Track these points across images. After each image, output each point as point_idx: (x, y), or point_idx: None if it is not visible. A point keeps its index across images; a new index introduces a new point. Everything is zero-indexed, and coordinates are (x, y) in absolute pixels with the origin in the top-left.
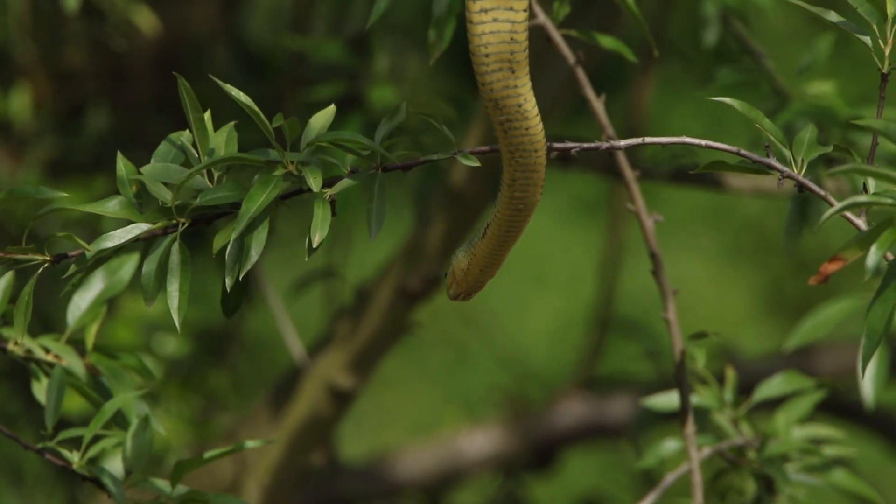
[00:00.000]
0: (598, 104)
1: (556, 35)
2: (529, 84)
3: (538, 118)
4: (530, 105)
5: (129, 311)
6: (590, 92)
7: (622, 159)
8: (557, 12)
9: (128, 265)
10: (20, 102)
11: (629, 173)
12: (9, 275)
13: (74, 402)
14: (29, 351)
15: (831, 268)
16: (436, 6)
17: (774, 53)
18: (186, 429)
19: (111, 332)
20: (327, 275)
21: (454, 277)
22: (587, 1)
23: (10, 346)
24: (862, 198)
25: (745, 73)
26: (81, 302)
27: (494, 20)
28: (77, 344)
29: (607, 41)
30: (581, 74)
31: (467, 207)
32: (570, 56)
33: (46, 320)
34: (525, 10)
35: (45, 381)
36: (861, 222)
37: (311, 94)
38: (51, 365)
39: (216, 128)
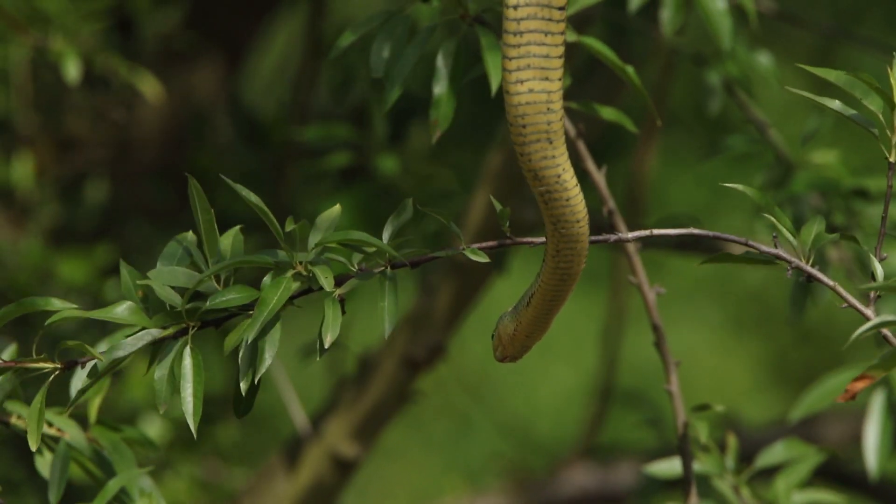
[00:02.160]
0: (599, 177)
1: None
2: (567, 154)
3: (578, 188)
4: (569, 175)
5: (141, 372)
6: (591, 165)
7: (623, 229)
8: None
9: None
10: (22, 171)
11: (631, 247)
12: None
13: (77, 470)
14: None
15: (859, 386)
16: (436, 87)
17: (777, 123)
18: (195, 490)
19: (125, 392)
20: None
21: (501, 341)
22: (588, 72)
23: (14, 420)
24: (889, 317)
25: (752, 144)
26: (84, 375)
27: (531, 91)
28: (80, 417)
29: (608, 112)
30: (582, 147)
31: (471, 277)
32: (571, 129)
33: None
34: (560, 80)
35: (48, 454)
36: (891, 334)
37: (315, 166)
38: (54, 439)
39: (215, 204)
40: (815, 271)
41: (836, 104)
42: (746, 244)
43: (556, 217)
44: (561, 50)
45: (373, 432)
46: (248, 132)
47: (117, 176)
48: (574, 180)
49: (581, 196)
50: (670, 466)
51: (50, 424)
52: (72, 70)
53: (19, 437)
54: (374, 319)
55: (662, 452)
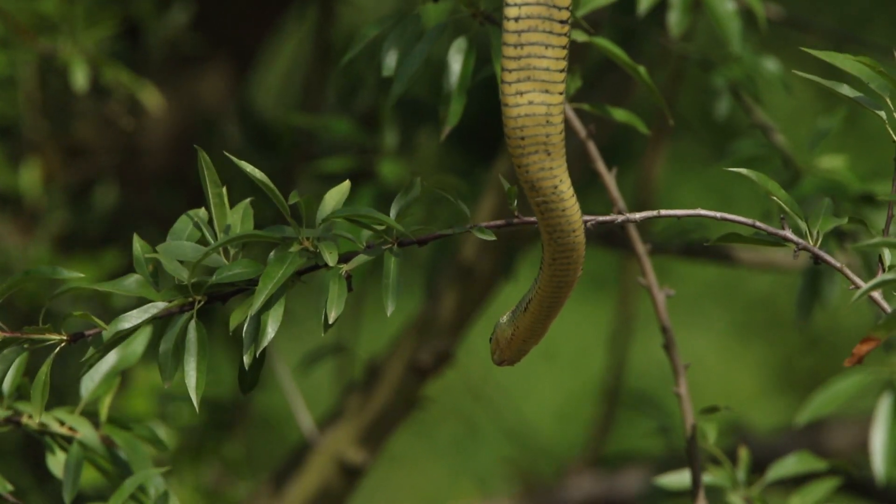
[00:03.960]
0: (609, 178)
1: (568, 109)
2: (565, 166)
3: (574, 199)
4: (566, 186)
5: (143, 382)
6: (601, 165)
7: (633, 233)
8: (569, 87)
9: (141, 337)
10: (30, 177)
11: (640, 247)
12: (23, 355)
13: (87, 474)
14: (43, 424)
15: (864, 348)
16: (446, 83)
17: (784, 128)
18: (200, 499)
19: (126, 402)
20: (337, 350)
21: (498, 345)
22: (598, 75)
23: (25, 420)
24: (889, 275)
25: (760, 148)
26: (95, 374)
27: (530, 103)
28: (91, 416)
29: (620, 114)
30: (592, 148)
31: (477, 282)
32: (581, 130)
33: (59, 392)
34: (561, 93)
35: (59, 454)
36: (885, 304)
37: (322, 167)
38: (66, 438)
39: (228, 204)
40: (822, 253)
41: (845, 88)
42: (754, 225)
43: (552, 227)
44: (563, 63)
45: (380, 438)
46: (258, 138)
47: (125, 182)
48: (571, 191)
49: (577, 207)
50: (680, 479)
51: (62, 423)
52: (80, 77)
53: (27, 443)
54: (381, 326)
55: (670, 458)
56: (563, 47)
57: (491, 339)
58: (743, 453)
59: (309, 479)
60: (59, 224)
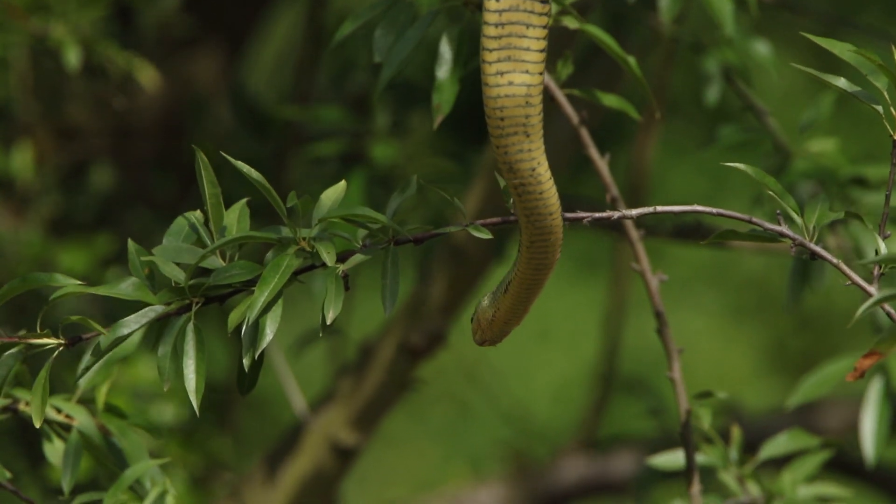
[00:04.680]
0: (602, 164)
1: (560, 95)
2: (543, 148)
3: (552, 182)
4: (543, 169)
5: (124, 380)
6: (594, 151)
7: (628, 222)
8: (560, 72)
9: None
10: (22, 160)
11: (634, 233)
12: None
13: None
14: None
15: (867, 363)
16: (439, 71)
17: (776, 111)
18: (187, 491)
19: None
20: (330, 331)
21: (479, 325)
22: (589, 59)
23: (22, 407)
24: (890, 292)
25: (746, 133)
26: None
27: (510, 83)
28: (87, 404)
29: (610, 100)
30: (585, 134)
31: (470, 264)
32: (573, 116)
33: (55, 379)
34: (541, 74)
35: (57, 441)
36: (893, 310)
37: (315, 150)
38: (62, 426)
39: (222, 182)
40: (819, 248)
41: (841, 81)
42: (750, 221)
43: (529, 210)
44: (543, 44)
45: (373, 420)
46: (250, 120)
47: (118, 164)
48: (548, 174)
49: (554, 190)
50: (673, 458)
51: (59, 411)
52: (72, 58)
53: (21, 427)
54: (374, 307)
55: (663, 441)
56: (544, 27)
57: (472, 318)
58: (735, 432)
59: (302, 461)
60: (52, 207)
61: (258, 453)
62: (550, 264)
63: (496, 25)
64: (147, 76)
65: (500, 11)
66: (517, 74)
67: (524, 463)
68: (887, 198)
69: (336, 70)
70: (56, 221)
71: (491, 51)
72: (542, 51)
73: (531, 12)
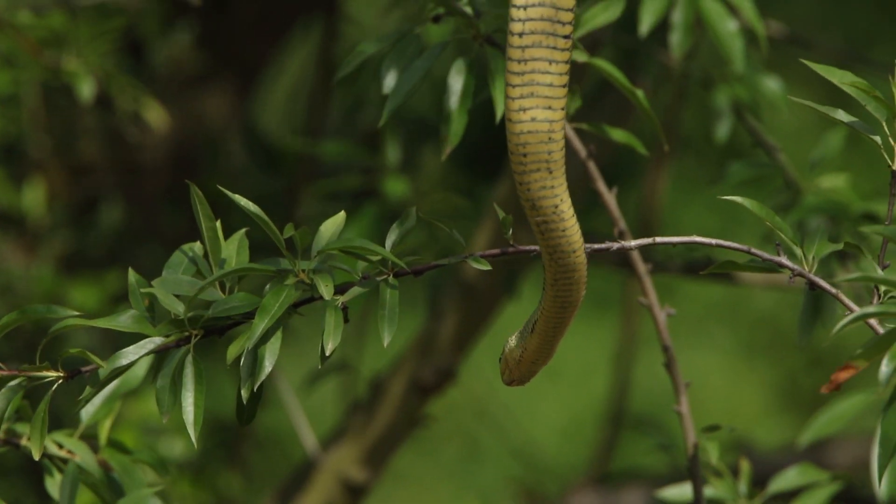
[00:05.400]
0: (610, 197)
1: (568, 129)
2: (566, 185)
3: (574, 219)
4: (566, 206)
5: (133, 414)
6: (602, 185)
7: (635, 253)
8: (569, 106)
9: (141, 363)
10: (34, 196)
11: (641, 267)
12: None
13: (84, 499)
14: (42, 446)
15: (843, 376)
16: (447, 102)
17: (787, 147)
18: None
19: (115, 436)
20: (340, 368)
21: (507, 365)
22: (599, 94)
23: (24, 442)
24: (871, 308)
25: (756, 169)
26: (95, 398)
27: (533, 119)
28: (90, 439)
29: (618, 134)
30: (593, 168)
31: (480, 300)
32: (581, 150)
33: (58, 415)
34: (563, 109)
35: (58, 476)
36: (879, 328)
37: (326, 186)
38: (64, 461)
39: (229, 227)
40: (817, 279)
41: (839, 113)
42: (749, 252)
43: (552, 248)
44: (565, 79)
45: (383, 457)
46: (262, 156)
47: (129, 201)
48: (571, 211)
49: (577, 227)
50: (681, 492)
51: (60, 446)
52: (85, 91)
53: (29, 463)
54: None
55: (673, 478)
56: (566, 62)
57: (500, 359)
58: (744, 466)
59: (312, 498)
60: (63, 243)
61: (268, 490)
62: (576, 302)
63: (519, 61)
64: (154, 115)
65: (524, 48)
66: (539, 111)
67: (534, 500)
68: (887, 227)
69: (347, 106)
70: (67, 258)
71: (514, 87)
72: (564, 86)
73: (554, 48)
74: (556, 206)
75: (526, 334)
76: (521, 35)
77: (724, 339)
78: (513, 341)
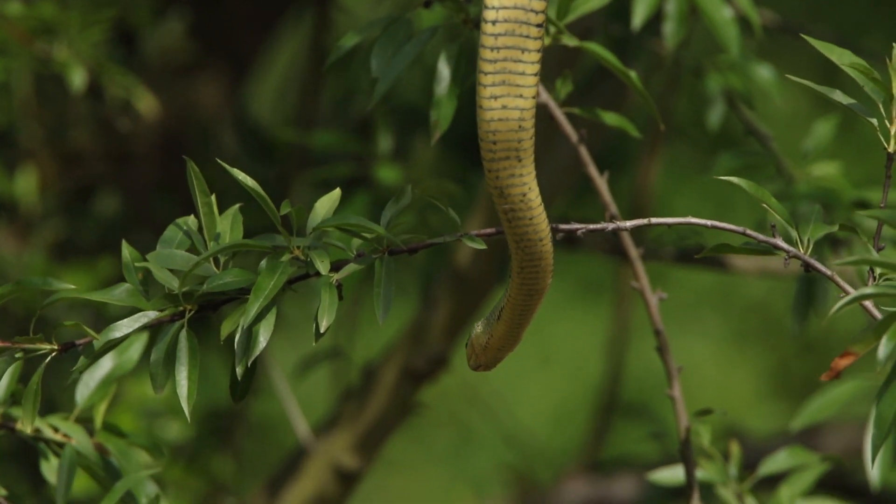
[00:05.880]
0: (601, 182)
1: (559, 114)
2: (534, 173)
3: (542, 208)
4: (534, 195)
5: (131, 396)
6: (593, 170)
7: (627, 239)
8: (560, 90)
9: (136, 345)
10: (26, 184)
11: (633, 251)
12: (16, 365)
13: (79, 483)
14: (38, 430)
15: (843, 363)
16: (437, 88)
17: (779, 135)
18: None
19: (112, 418)
20: (333, 355)
21: (474, 350)
22: (593, 83)
23: (19, 426)
24: (869, 289)
25: (746, 157)
26: (90, 381)
27: (504, 107)
28: (86, 423)
29: (611, 118)
30: (584, 153)
31: (473, 289)
32: (572, 134)
33: (54, 399)
34: (534, 97)
35: (53, 460)
36: (875, 310)
37: (318, 174)
38: (59, 444)
39: (221, 211)
40: (812, 260)
41: (837, 94)
42: (745, 234)
43: (519, 236)
44: (537, 67)
45: (375, 444)
46: (254, 145)
47: (121, 189)
48: (539, 200)
49: (544, 216)
50: (673, 474)
51: (56, 430)
52: (76, 79)
53: (24, 447)
54: (377, 330)
55: (665, 464)
56: (538, 51)
57: (467, 344)
58: (735, 449)
59: (304, 486)
60: (55, 231)
61: (261, 477)
62: (541, 290)
63: (492, 49)
64: (146, 104)
65: (496, 35)
66: (511, 98)
67: (527, 486)
68: (882, 209)
69: (339, 95)
70: (59, 245)
71: (486, 74)
72: (535, 74)
73: (527, 37)
74: (525, 195)
75: (492, 321)
76: (494, 23)
77: (715, 326)
78: (479, 327)
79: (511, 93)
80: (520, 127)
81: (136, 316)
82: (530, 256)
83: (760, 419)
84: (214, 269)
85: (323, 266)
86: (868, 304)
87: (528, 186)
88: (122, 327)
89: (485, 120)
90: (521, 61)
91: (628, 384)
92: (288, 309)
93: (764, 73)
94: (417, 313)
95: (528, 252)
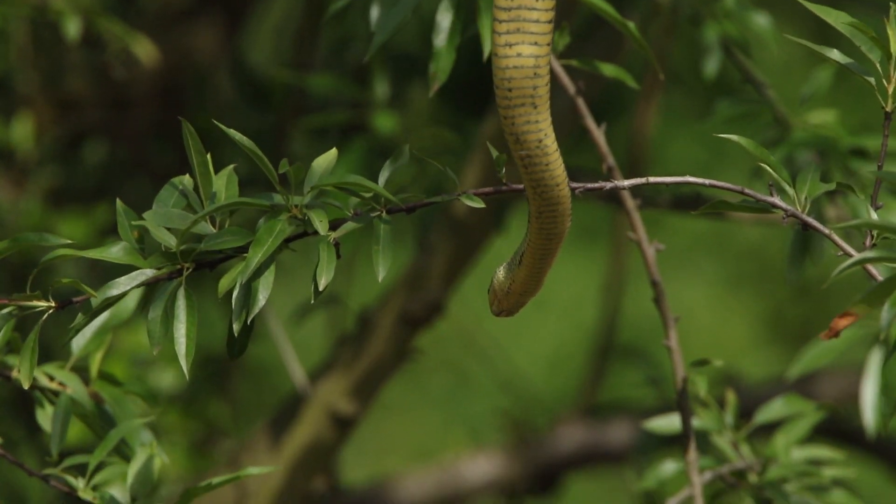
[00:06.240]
0: (598, 134)
1: (557, 65)
2: (550, 120)
3: (558, 153)
4: (550, 140)
5: (123, 345)
6: (590, 122)
7: (624, 191)
8: (557, 42)
9: (132, 294)
10: (22, 131)
11: (630, 203)
12: (10, 322)
13: (74, 431)
14: (33, 378)
15: (842, 323)
16: (436, 39)
17: (776, 83)
18: (186, 457)
19: (107, 367)
20: (329, 301)
21: (496, 296)
22: (588, 32)
23: (15, 374)
24: (870, 253)
25: (743, 105)
26: (86, 330)
27: (518, 55)
28: (81, 371)
29: (608, 69)
30: (582, 104)
31: (469, 235)
32: (570, 86)
33: (49, 348)
34: (549, 45)
35: (49, 408)
36: (874, 269)
37: (315, 121)
38: (55, 393)
39: (217, 162)
40: (810, 219)
41: (834, 53)
42: (742, 192)
43: (535, 181)
44: (551, 15)
45: (371, 390)
46: (250, 92)
47: (117, 136)
48: (555, 145)
49: (560, 161)
50: (669, 422)
51: (51, 378)
52: (71, 28)
53: (20, 395)
54: (373, 276)
55: (661, 409)
56: None
57: (489, 290)
58: (730, 397)
59: (301, 431)
60: (51, 177)
61: (257, 422)
62: (561, 233)
63: None
64: (144, 50)
65: None
66: (526, 46)
67: (522, 431)
68: (879, 168)
69: (335, 42)
70: (56, 192)
71: (501, 21)
72: (550, 21)
73: None
74: (541, 141)
75: (514, 266)
76: None
77: (710, 271)
78: (501, 273)
79: (526, 40)
80: (535, 74)
81: (133, 274)
82: (548, 202)
83: (756, 364)
84: (210, 227)
85: (321, 225)
86: (873, 269)
87: (543, 132)
88: (120, 285)
89: (500, 67)
90: (535, 9)
91: (624, 329)
92: (285, 256)
93: (760, 20)
94: (414, 260)
95: (545, 197)
